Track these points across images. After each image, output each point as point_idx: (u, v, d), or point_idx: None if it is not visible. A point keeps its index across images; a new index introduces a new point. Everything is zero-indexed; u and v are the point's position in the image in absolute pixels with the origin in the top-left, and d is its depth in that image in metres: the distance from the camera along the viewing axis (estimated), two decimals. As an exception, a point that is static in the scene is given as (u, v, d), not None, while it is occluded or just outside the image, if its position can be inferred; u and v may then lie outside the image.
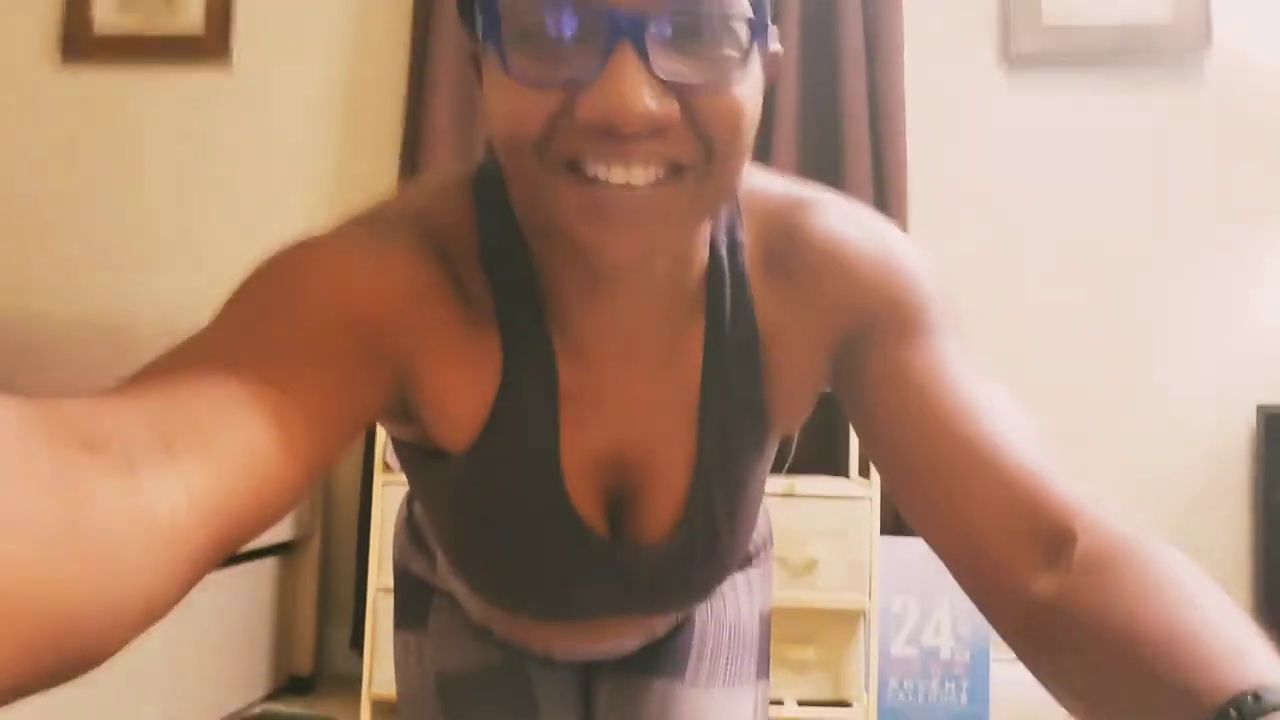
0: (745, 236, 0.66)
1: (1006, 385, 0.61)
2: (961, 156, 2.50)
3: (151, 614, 0.36)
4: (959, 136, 2.50)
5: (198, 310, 2.43)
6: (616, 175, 0.50)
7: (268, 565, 2.21)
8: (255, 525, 0.42)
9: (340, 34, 2.65)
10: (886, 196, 2.39)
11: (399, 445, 0.73)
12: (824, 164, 2.42)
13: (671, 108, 0.49)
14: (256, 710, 2.16)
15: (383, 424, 0.68)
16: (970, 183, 2.49)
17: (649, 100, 0.48)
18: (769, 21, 0.53)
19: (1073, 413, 2.40)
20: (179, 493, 0.37)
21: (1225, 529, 2.37)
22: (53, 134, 2.68)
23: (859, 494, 2.05)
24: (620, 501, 0.71)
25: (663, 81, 0.49)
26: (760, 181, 0.68)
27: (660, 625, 0.88)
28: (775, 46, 0.58)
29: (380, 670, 2.02)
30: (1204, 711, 0.38)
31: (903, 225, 2.34)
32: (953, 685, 2.17)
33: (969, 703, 2.17)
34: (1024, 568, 0.51)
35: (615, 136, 0.49)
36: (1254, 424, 2.38)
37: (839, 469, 2.33)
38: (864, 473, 2.23)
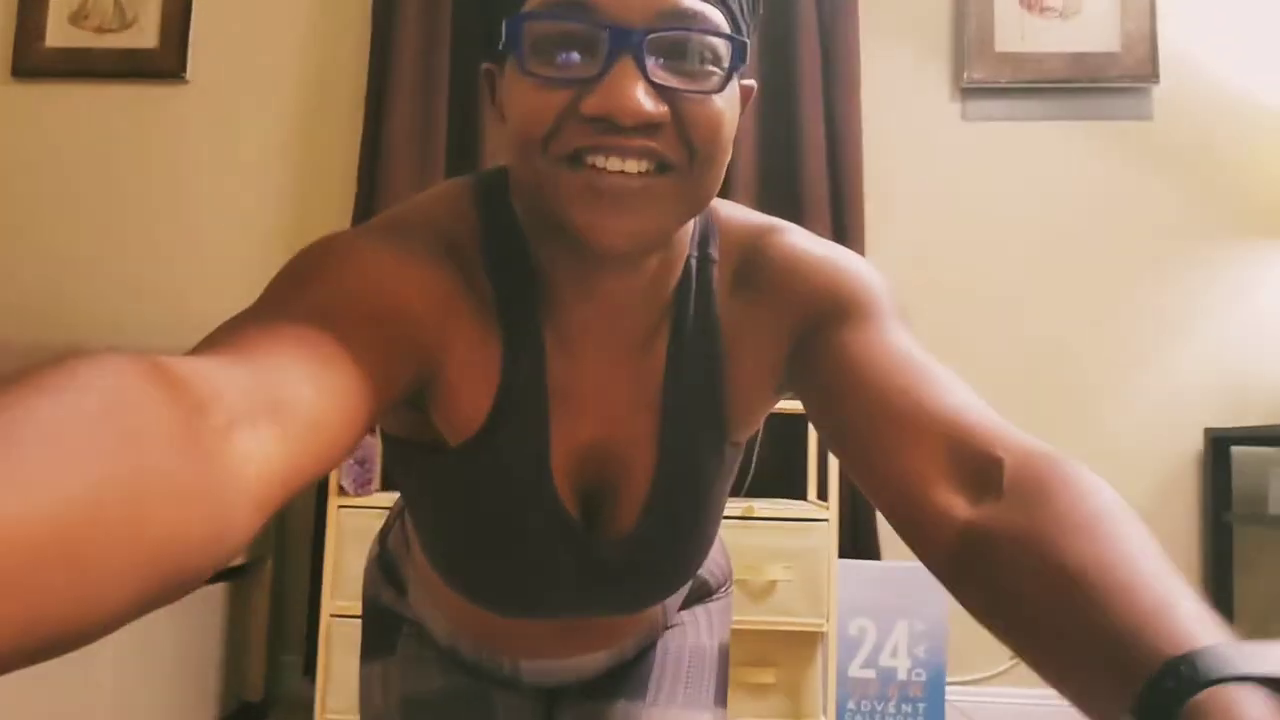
0: (717, 254, 0.73)
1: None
2: (917, 184, 2.54)
3: (230, 558, 0.41)
4: (915, 164, 2.54)
5: (151, 332, 2.40)
6: (613, 164, 0.58)
7: (218, 591, 2.16)
8: (308, 485, 0.49)
9: (298, 49, 2.63)
10: (844, 222, 2.43)
11: (390, 439, 0.76)
12: (782, 191, 2.45)
13: (662, 109, 0.58)
14: (205, 739, 2.11)
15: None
16: (926, 210, 2.53)
17: (644, 99, 0.56)
18: (747, 40, 0.61)
19: (1026, 436, 2.43)
20: (260, 458, 0.43)
21: (1174, 551, 2.41)
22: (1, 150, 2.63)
23: (818, 516, 2.05)
24: (593, 495, 0.75)
25: (656, 87, 0.57)
26: (738, 212, 0.77)
27: (629, 644, 0.91)
28: (749, 81, 0.67)
29: (333, 697, 1.99)
30: (1138, 676, 0.38)
31: (860, 251, 2.37)
32: (909, 707, 2.18)
33: (926, 725, 2.18)
34: (953, 496, 0.54)
35: (613, 129, 0.57)
36: (1202, 447, 2.43)
37: (797, 491, 2.35)
38: (822, 495, 2.24)
